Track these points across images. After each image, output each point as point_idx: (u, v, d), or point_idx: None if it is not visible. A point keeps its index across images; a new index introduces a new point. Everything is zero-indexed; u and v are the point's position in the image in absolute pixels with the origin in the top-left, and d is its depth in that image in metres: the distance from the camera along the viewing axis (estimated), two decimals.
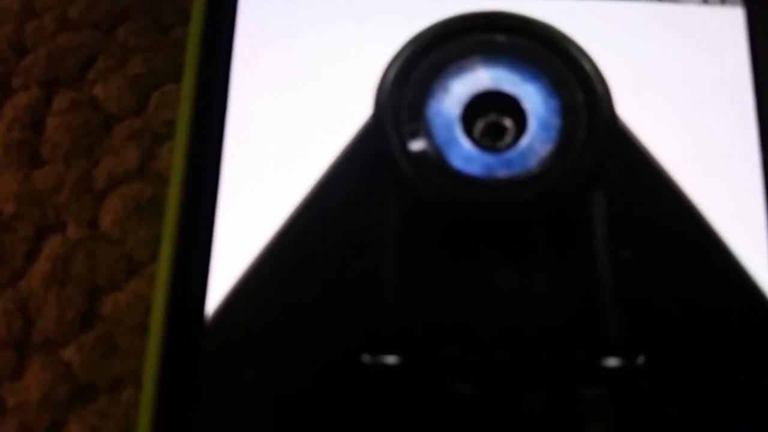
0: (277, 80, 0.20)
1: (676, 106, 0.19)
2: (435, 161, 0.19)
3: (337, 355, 0.18)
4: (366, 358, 0.18)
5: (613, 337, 0.18)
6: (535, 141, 0.19)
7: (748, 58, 0.20)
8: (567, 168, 0.18)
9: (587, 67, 0.19)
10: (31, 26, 0.24)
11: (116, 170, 0.22)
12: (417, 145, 0.19)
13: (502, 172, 0.18)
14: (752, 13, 0.20)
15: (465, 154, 0.19)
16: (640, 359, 0.18)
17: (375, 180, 0.19)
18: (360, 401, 0.18)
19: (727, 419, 0.17)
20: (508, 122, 0.19)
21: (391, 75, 0.19)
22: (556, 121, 0.19)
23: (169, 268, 0.18)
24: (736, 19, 0.20)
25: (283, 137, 0.19)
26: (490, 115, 0.19)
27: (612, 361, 0.18)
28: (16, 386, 0.21)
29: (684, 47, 0.20)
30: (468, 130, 0.19)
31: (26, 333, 0.21)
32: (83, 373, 0.21)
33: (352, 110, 0.19)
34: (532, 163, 0.19)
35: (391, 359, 0.18)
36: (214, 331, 0.18)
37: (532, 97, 0.19)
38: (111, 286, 0.21)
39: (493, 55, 0.19)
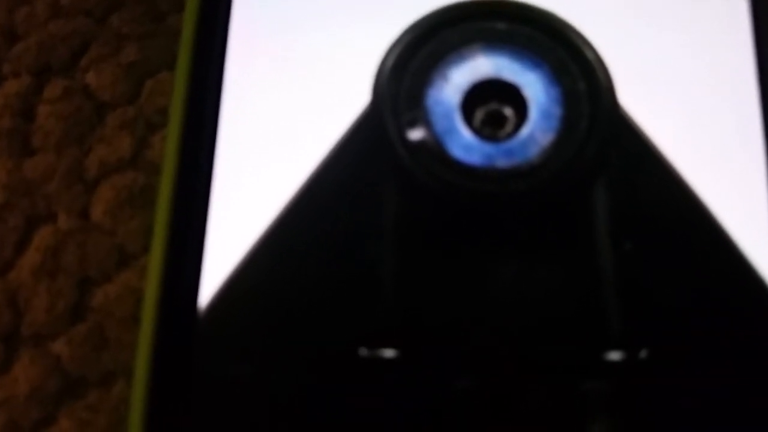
0: (273, 68, 0.20)
1: (678, 95, 0.19)
2: (434, 150, 0.18)
3: (333, 348, 0.18)
4: (363, 351, 0.17)
5: (615, 330, 0.18)
6: (536, 130, 0.19)
7: (752, 47, 0.19)
8: (568, 157, 0.18)
9: (589, 55, 0.19)
10: (23, 13, 0.24)
11: (108, 159, 0.22)
12: (416, 134, 0.19)
13: (502, 162, 0.18)
14: (756, 0, 0.20)
15: (465, 143, 0.19)
16: (643, 353, 0.17)
17: (373, 169, 0.19)
18: (357, 395, 0.17)
19: (730, 413, 0.17)
20: (508, 111, 0.19)
21: (390, 63, 0.19)
22: (557, 110, 0.19)
23: (162, 260, 0.18)
24: (739, 7, 0.20)
25: (279, 125, 0.19)
26: (491, 103, 0.19)
27: (614, 355, 0.17)
28: (4, 380, 0.21)
29: (687, 35, 0.20)
30: (468, 119, 0.19)
31: (15, 325, 0.21)
32: (73, 366, 0.21)
33: (349, 98, 0.19)
34: (533, 152, 0.18)
35: (388, 353, 0.17)
36: (207, 323, 0.18)
37: (533, 85, 0.19)
38: (102, 278, 0.21)
39: (493, 43, 0.19)
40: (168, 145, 0.19)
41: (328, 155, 0.19)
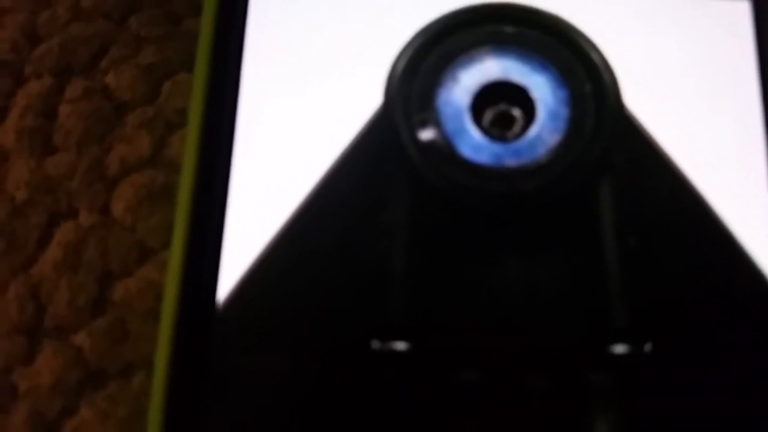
0: (288, 69, 0.20)
1: (682, 96, 0.19)
2: (444, 150, 0.19)
3: (346, 341, 0.18)
4: (376, 344, 0.18)
5: (620, 324, 0.18)
6: (544, 131, 0.19)
7: (755, 50, 0.20)
8: (575, 157, 0.19)
9: (595, 57, 0.19)
10: (45, 15, 0.24)
11: (128, 158, 0.22)
12: (426, 134, 0.19)
13: (510, 162, 0.19)
14: (759, 4, 0.20)
15: (474, 143, 0.19)
16: (648, 346, 0.18)
17: (385, 169, 0.19)
18: (369, 387, 0.18)
19: (733, 406, 0.17)
20: (516, 112, 0.19)
21: (401, 65, 0.19)
22: (564, 111, 0.19)
23: (182, 255, 0.18)
24: (742, 11, 0.20)
25: (293, 126, 0.19)
26: (500, 104, 0.19)
27: (619, 348, 0.18)
28: (27, 371, 0.21)
29: (691, 38, 0.20)
30: (477, 119, 0.19)
31: (38, 319, 0.21)
32: (94, 358, 0.21)
33: (362, 100, 0.19)
34: (541, 152, 0.19)
35: (400, 346, 0.18)
36: (225, 317, 0.18)
37: (540, 87, 0.19)
38: (122, 273, 0.21)
39: (502, 45, 0.19)
40: (188, 145, 0.19)
41: (342, 155, 0.19)
